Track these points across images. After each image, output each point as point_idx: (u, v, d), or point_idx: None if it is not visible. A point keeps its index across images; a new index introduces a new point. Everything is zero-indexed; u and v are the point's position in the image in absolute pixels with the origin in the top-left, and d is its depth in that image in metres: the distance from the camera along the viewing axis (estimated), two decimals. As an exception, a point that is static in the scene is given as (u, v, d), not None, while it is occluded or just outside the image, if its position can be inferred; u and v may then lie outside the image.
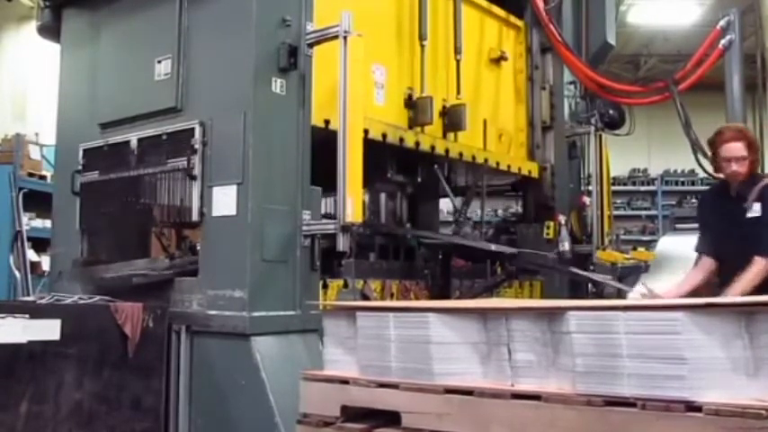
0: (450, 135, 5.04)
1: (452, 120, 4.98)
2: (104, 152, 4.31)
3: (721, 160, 4.04)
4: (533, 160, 5.99)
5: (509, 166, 5.62)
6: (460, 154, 5.06)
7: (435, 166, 5.30)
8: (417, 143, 4.69)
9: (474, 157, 5.20)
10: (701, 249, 4.19)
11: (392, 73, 4.66)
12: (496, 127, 5.64)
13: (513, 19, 5.95)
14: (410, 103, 4.74)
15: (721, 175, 4.24)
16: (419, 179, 5.40)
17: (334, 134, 3.75)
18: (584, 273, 5.62)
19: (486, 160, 5.33)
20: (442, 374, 2.20)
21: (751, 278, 3.75)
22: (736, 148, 3.97)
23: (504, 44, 5.83)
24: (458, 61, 5.12)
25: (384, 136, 4.41)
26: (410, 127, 4.73)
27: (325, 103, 3.93)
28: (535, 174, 5.93)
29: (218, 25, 3.89)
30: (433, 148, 4.82)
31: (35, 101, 10.28)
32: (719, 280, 4.04)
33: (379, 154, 4.55)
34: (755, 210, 3.90)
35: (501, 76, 5.80)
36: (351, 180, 3.64)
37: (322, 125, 3.98)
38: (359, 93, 3.76)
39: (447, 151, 4.95)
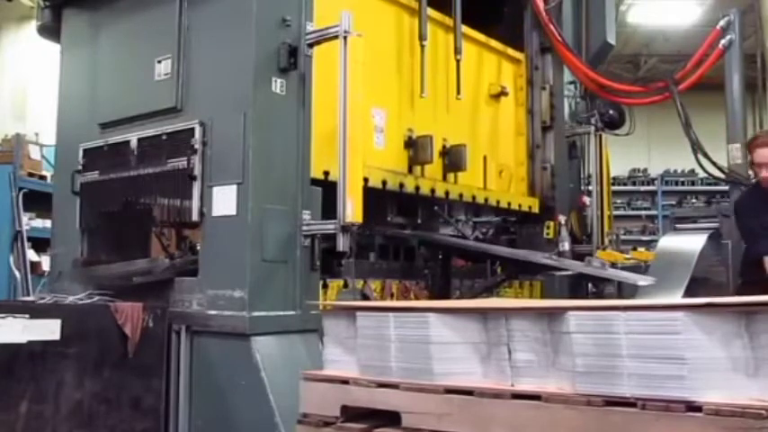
0: (450, 176, 5.03)
1: (452, 160, 4.97)
2: (104, 152, 4.31)
3: (754, 165, 4.08)
4: (534, 195, 5.96)
5: (509, 204, 5.59)
6: (461, 195, 5.04)
7: (436, 207, 5.28)
8: (417, 188, 4.68)
9: (474, 198, 5.19)
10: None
11: (392, 115, 4.65)
12: (497, 162, 5.62)
13: (511, 52, 5.92)
14: (410, 142, 4.73)
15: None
16: (419, 221, 5.38)
17: (333, 185, 3.72)
18: (616, 272, 5.45)
19: (486, 200, 5.31)
20: (442, 374, 2.20)
21: None
22: (766, 155, 3.98)
23: (503, 78, 5.81)
24: (458, 61, 5.10)
25: (384, 183, 4.39)
26: (410, 167, 4.72)
27: (324, 151, 3.90)
28: (536, 209, 5.87)
29: (218, 25, 3.89)
30: (433, 191, 4.80)
31: (35, 101, 10.28)
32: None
33: (378, 197, 4.52)
34: None
35: (501, 110, 5.78)
36: (351, 180, 3.64)
37: (321, 177, 3.95)
38: (359, 93, 3.76)
39: (447, 193, 4.92)
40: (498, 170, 5.64)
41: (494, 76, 5.74)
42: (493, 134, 5.67)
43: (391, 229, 5.09)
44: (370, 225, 4.44)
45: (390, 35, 4.77)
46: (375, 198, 4.27)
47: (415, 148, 4.72)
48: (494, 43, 5.73)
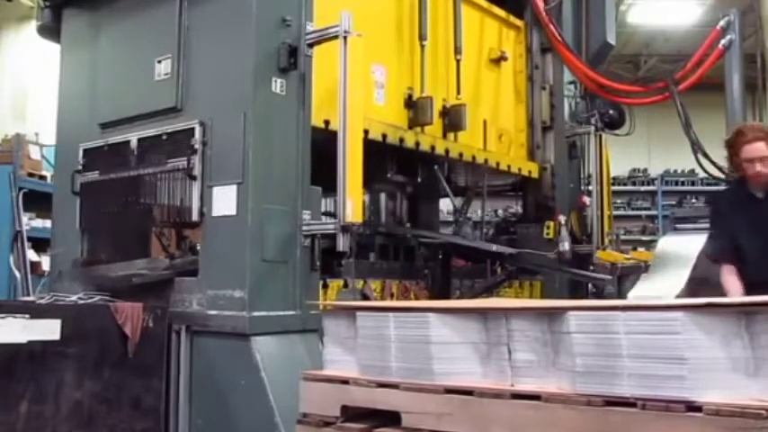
0: (451, 135, 5.04)
1: (453, 120, 4.98)
2: (104, 152, 4.31)
3: (743, 161, 3.92)
4: (533, 160, 5.98)
5: (509, 167, 5.62)
6: (461, 154, 5.06)
7: (435, 167, 5.29)
8: (417, 143, 4.69)
9: (474, 158, 5.20)
10: (725, 258, 3.99)
11: (392, 73, 4.66)
12: (497, 127, 5.64)
13: (512, 19, 5.95)
14: (410, 103, 4.73)
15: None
16: (419, 179, 5.39)
17: (334, 135, 3.75)
18: (583, 272, 5.60)
19: (486, 160, 5.33)
20: (442, 374, 2.20)
21: None
22: (759, 149, 3.84)
23: (504, 44, 5.83)
24: (458, 61, 5.12)
25: (384, 136, 4.41)
26: (410, 127, 4.72)
27: (325, 103, 3.93)
28: (535, 174, 5.93)
29: (218, 25, 3.89)
30: (433, 148, 4.82)
31: (35, 101, 10.27)
32: (744, 283, 3.92)
33: (379, 154, 4.54)
34: None
35: (501, 76, 5.80)
36: (351, 180, 3.64)
37: (322, 126, 3.98)
38: (359, 94, 3.76)
39: (447, 151, 4.94)
40: (498, 134, 5.66)
41: (494, 41, 5.76)
42: (493, 99, 5.68)
43: (391, 186, 5.15)
44: (371, 181, 4.45)
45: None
46: (375, 154, 4.25)
47: (415, 109, 4.73)
48: (495, 9, 5.75)
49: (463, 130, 5.05)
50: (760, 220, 3.89)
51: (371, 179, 4.56)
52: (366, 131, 4.01)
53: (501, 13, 5.81)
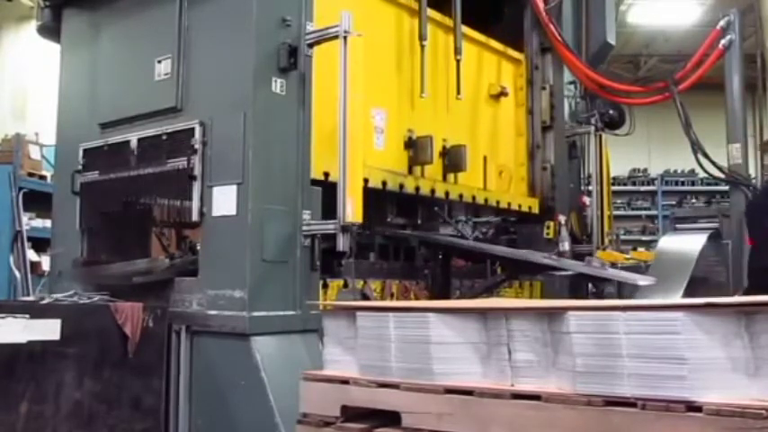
0: (450, 177, 5.03)
1: (452, 160, 4.98)
2: (104, 152, 4.31)
3: None
4: (534, 195, 5.95)
5: (509, 204, 5.59)
6: (461, 195, 5.04)
7: (435, 208, 5.28)
8: (417, 188, 4.68)
9: (474, 198, 5.19)
10: None
11: (392, 116, 4.65)
12: (496, 163, 5.62)
13: (511, 52, 5.92)
14: (410, 143, 4.73)
15: None
16: (419, 221, 5.38)
17: (333, 186, 3.73)
18: (616, 272, 5.45)
19: (486, 200, 5.31)
20: (442, 374, 2.20)
21: None
22: None
23: (503, 78, 5.81)
24: (458, 61, 5.10)
25: (384, 183, 4.39)
26: (410, 168, 4.72)
27: (324, 153, 3.90)
28: (536, 209, 5.87)
29: (218, 25, 3.89)
30: (433, 191, 4.80)
31: (35, 101, 10.28)
32: None
33: (378, 199, 4.52)
34: None
35: (501, 111, 5.77)
36: (351, 180, 3.64)
37: (321, 178, 3.95)
38: (359, 94, 3.75)
39: (447, 194, 4.92)
40: (498, 170, 5.64)
41: (494, 76, 5.74)
42: (493, 134, 5.66)
43: (391, 229, 5.09)
44: (370, 226, 4.44)
45: (390, 35, 4.77)
46: (375, 199, 4.27)
47: (415, 148, 4.73)
48: (494, 43, 5.73)
49: (463, 171, 5.03)
50: None
51: (371, 223, 4.52)
52: (366, 180, 4.00)
53: (499, 47, 5.78)
